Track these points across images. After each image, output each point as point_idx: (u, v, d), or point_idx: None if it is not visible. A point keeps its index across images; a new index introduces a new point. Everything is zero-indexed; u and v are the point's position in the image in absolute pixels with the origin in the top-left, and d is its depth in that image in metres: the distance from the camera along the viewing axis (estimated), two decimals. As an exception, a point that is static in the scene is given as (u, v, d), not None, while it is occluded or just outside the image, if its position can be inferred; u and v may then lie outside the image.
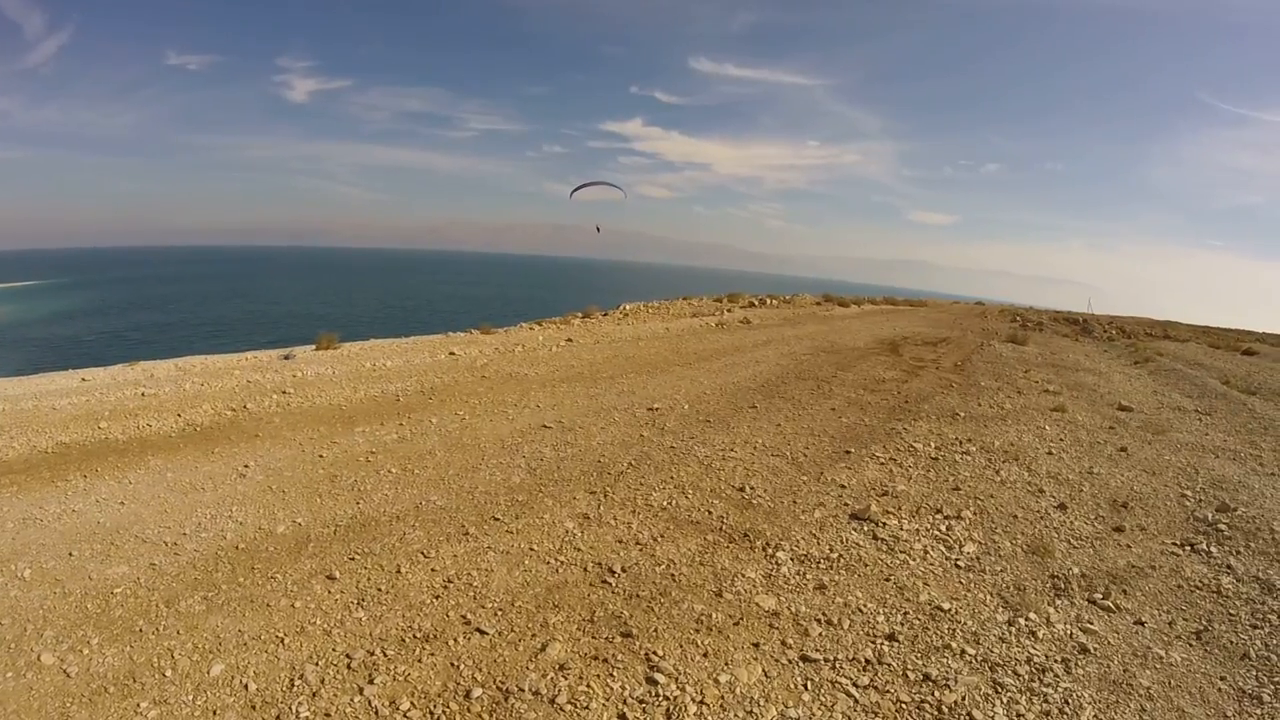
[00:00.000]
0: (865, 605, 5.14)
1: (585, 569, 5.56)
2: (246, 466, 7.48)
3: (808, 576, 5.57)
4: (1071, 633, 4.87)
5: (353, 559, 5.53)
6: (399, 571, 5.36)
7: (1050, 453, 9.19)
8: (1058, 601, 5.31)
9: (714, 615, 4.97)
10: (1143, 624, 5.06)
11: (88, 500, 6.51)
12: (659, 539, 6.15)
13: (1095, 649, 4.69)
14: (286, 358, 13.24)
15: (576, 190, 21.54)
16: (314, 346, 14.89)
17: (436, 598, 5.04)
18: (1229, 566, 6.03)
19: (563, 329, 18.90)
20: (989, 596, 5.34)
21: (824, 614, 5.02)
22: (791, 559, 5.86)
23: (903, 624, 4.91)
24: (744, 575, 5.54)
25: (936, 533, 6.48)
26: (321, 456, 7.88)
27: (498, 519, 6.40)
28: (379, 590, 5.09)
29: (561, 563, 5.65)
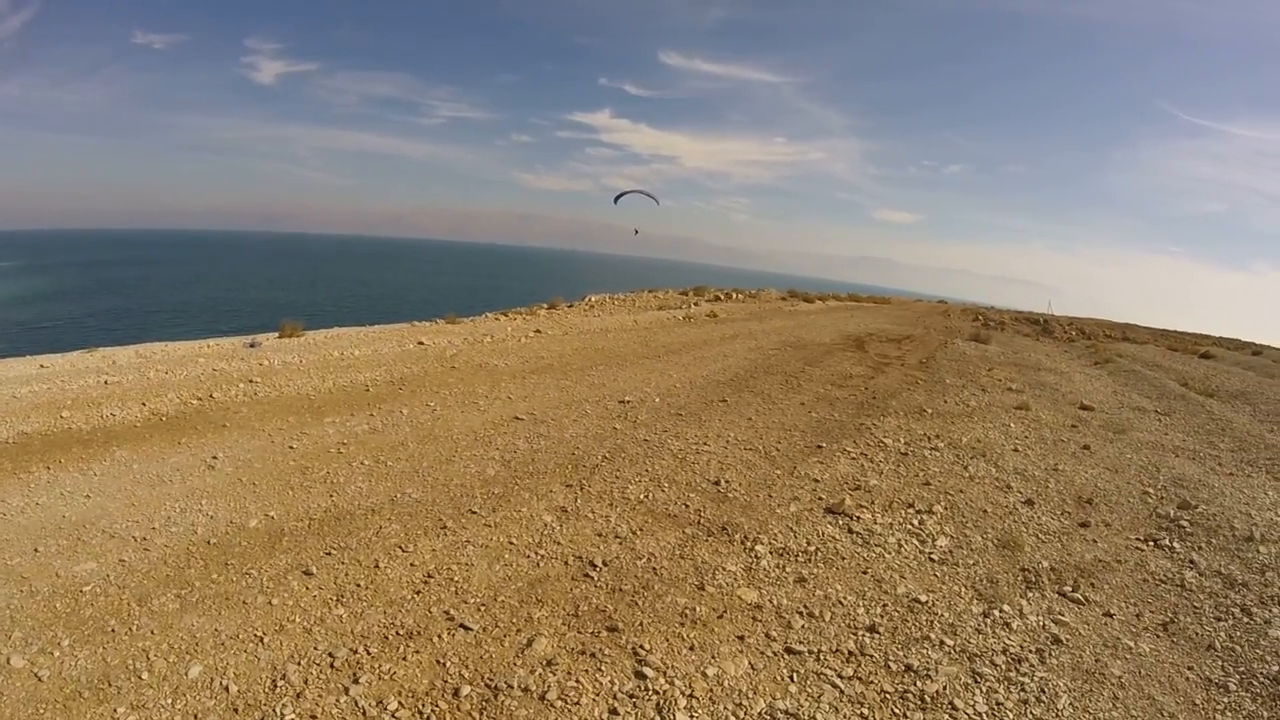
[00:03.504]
0: (845, 598, 5.17)
1: (566, 563, 5.50)
2: (215, 458, 7.29)
3: (787, 570, 5.58)
4: (1044, 624, 4.95)
5: (329, 554, 5.41)
6: (378, 566, 5.25)
7: (1016, 450, 9.29)
8: (1029, 594, 5.39)
9: (698, 609, 4.94)
10: (1111, 616, 5.16)
11: (52, 493, 6.29)
12: (638, 532, 6.12)
13: (1067, 640, 4.77)
14: (252, 345, 12.99)
15: (619, 196, 22.80)
16: (278, 334, 14.65)
17: (417, 593, 4.94)
18: (1192, 561, 6.17)
19: (529, 320, 18.78)
20: (964, 589, 5.41)
21: (805, 606, 5.03)
22: (770, 552, 5.86)
23: (882, 616, 4.95)
24: (725, 569, 5.53)
25: (910, 526, 6.56)
26: (292, 448, 7.71)
27: (475, 512, 6.30)
28: (358, 586, 4.98)
29: (542, 556, 5.58)
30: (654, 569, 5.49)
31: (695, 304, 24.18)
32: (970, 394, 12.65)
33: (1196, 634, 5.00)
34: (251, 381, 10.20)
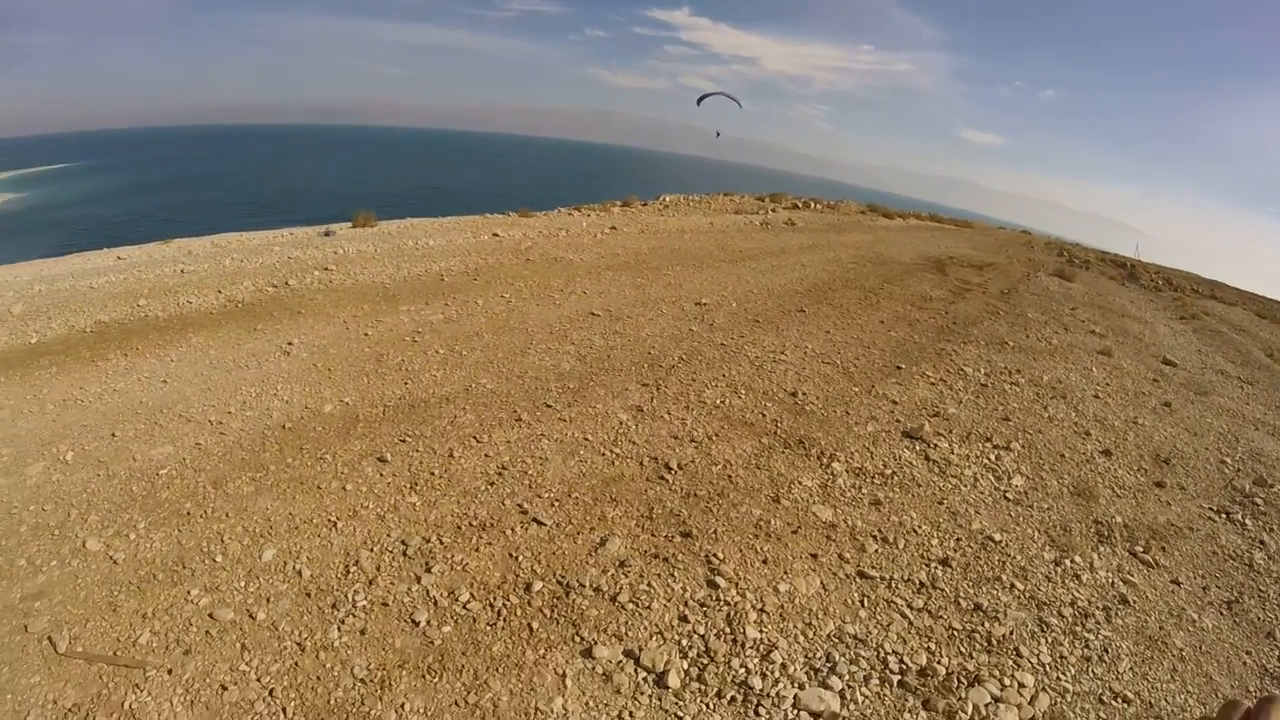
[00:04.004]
0: (919, 526, 5.11)
1: (641, 463, 5.42)
2: (290, 344, 7.26)
3: (863, 491, 5.49)
4: (1113, 581, 4.86)
5: (403, 441, 5.38)
6: (452, 456, 5.22)
7: (1097, 396, 8.95)
8: (1101, 548, 5.27)
9: (772, 522, 4.86)
10: (1179, 584, 5.02)
11: (129, 379, 6.31)
12: (714, 438, 6.00)
13: (1134, 601, 4.68)
14: (326, 234, 12.95)
15: (702, 98, 22.71)
16: (351, 224, 14.62)
17: (491, 484, 4.89)
18: (1262, 542, 5.89)
19: (604, 216, 18.44)
20: (1037, 533, 5.30)
21: (880, 531, 4.97)
22: (846, 471, 5.76)
23: (955, 550, 4.88)
24: (800, 483, 5.43)
25: (986, 461, 6.39)
26: (367, 335, 7.67)
27: (550, 406, 6.24)
28: (431, 475, 4.94)
29: (617, 455, 5.50)
30: (729, 477, 5.39)
31: (772, 210, 23.55)
32: (1053, 332, 12.05)
33: (1259, 618, 4.83)
34: (326, 269, 10.14)
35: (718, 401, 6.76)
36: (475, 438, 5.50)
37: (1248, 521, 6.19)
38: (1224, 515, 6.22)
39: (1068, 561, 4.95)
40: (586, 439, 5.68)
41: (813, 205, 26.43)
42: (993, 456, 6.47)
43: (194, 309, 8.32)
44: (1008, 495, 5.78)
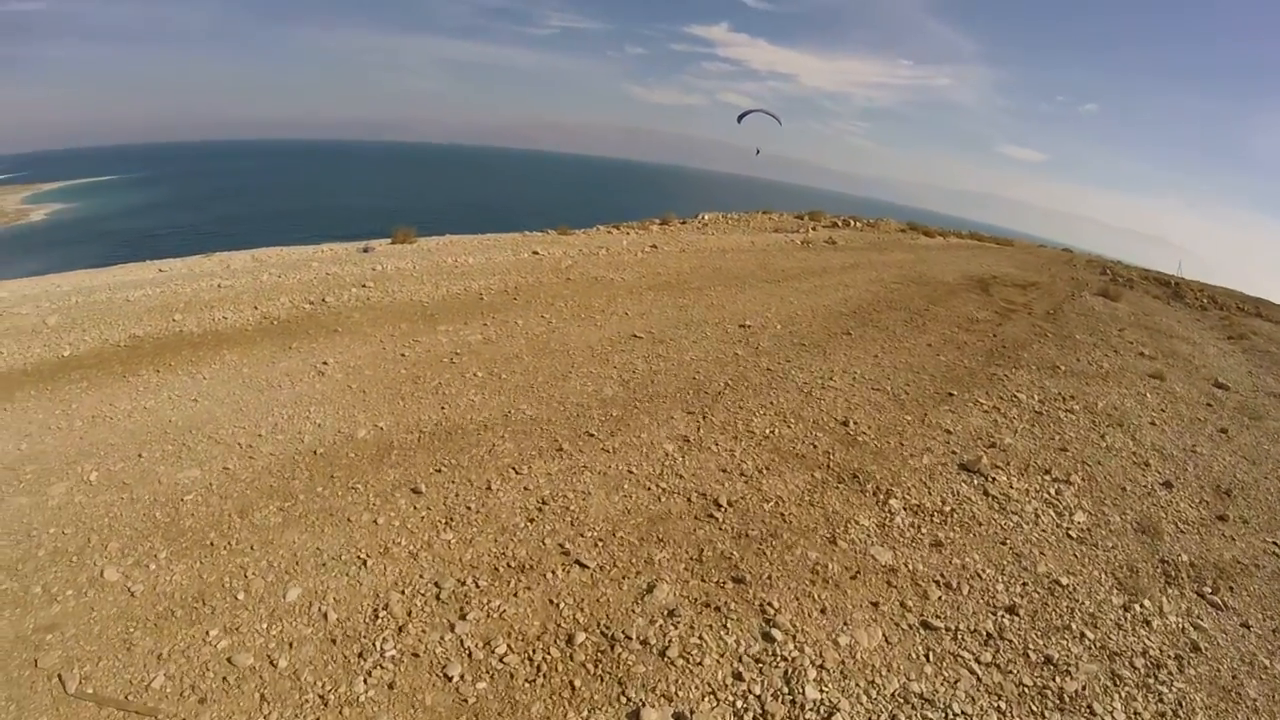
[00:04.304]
0: (984, 570, 4.78)
1: (689, 499, 5.10)
2: (325, 364, 7.05)
3: (923, 530, 5.17)
4: (1183, 627, 4.55)
5: (439, 471, 5.10)
6: (489, 488, 4.93)
7: (1153, 423, 8.54)
8: (1169, 590, 4.95)
9: (829, 565, 4.54)
10: (1249, 628, 4.69)
11: (160, 397, 6.14)
12: (764, 471, 5.68)
13: (1206, 648, 4.37)
14: (365, 250, 12.80)
15: (743, 115, 22.48)
16: (390, 240, 14.50)
17: (531, 521, 4.59)
18: None
19: (643, 234, 18.26)
20: (1104, 575, 4.98)
21: (942, 575, 4.65)
22: (904, 508, 5.43)
23: (1022, 597, 4.57)
24: (857, 522, 5.11)
25: (1046, 495, 6.04)
26: (403, 355, 7.43)
27: (592, 435, 5.94)
28: (468, 509, 4.65)
29: (663, 490, 5.18)
30: (782, 514, 5.07)
31: (812, 229, 23.32)
32: (1102, 354, 11.71)
33: (1332, 666, 4.49)
34: (364, 286, 9.95)
35: (767, 431, 6.43)
36: (514, 469, 5.21)
37: (1313, 556, 5.88)
38: None
39: (1137, 606, 4.64)
40: (631, 472, 5.37)
41: (852, 224, 26.19)
42: (1053, 491, 6.12)
43: (229, 325, 8.17)
44: (1070, 533, 5.45)
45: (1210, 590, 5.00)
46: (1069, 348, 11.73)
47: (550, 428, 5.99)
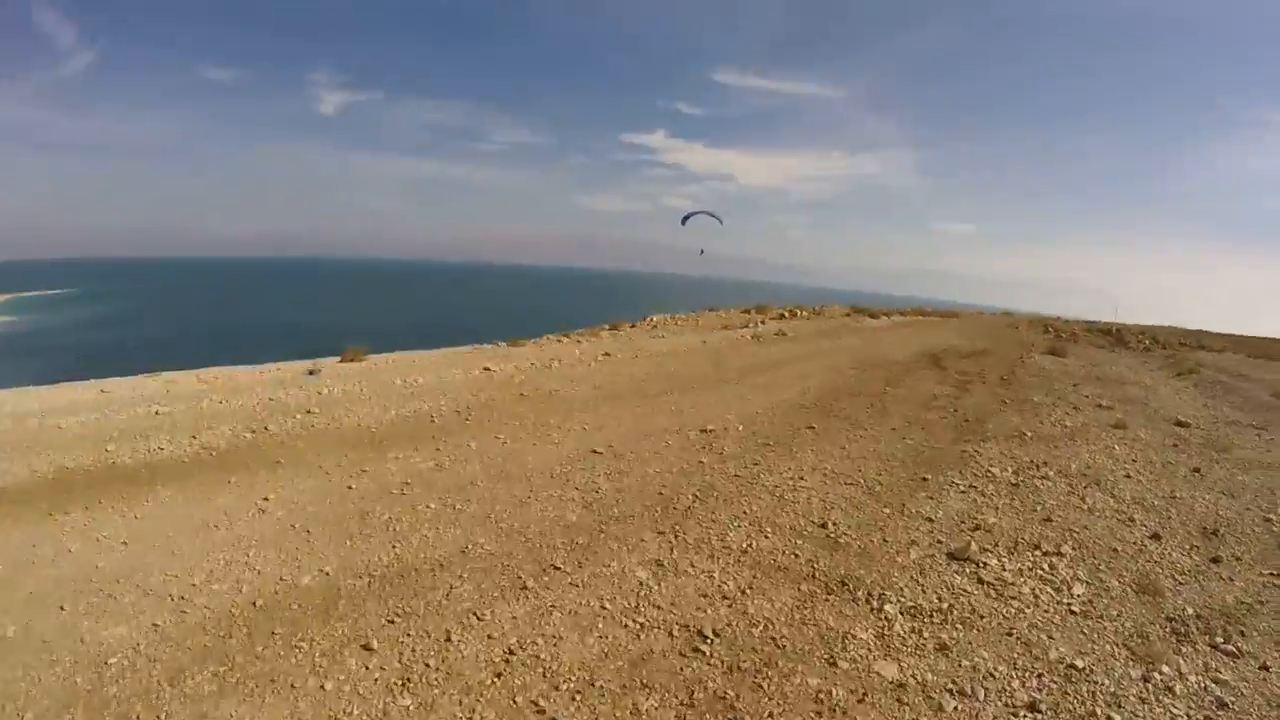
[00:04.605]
0: (996, 668, 4.42)
1: (671, 633, 4.61)
2: (266, 499, 6.48)
3: (925, 635, 4.77)
4: (1205, 685, 4.37)
5: (392, 621, 4.55)
6: (449, 640, 4.37)
7: (1128, 475, 8.52)
8: (1183, 649, 4.76)
9: (834, 691, 4.10)
10: (1268, 670, 4.56)
11: (87, 540, 5.55)
12: (748, 591, 5.23)
13: (1232, 702, 4.21)
14: (312, 373, 12.29)
15: (687, 218, 23.70)
16: (340, 359, 14.04)
17: (498, 676, 4.06)
18: None
19: (594, 342, 18.03)
20: (1115, 648, 4.72)
21: (954, 682, 4.27)
22: (901, 613, 5.04)
23: (1040, 690, 4.24)
24: (854, 636, 4.69)
25: (1040, 572, 5.78)
26: (350, 488, 6.87)
27: (558, 568, 5.41)
28: (427, 666, 4.10)
29: (641, 625, 4.68)
30: (773, 639, 4.62)
31: (761, 322, 23.40)
32: (1064, 413, 11.82)
33: (1353, 688, 4.41)
34: (309, 412, 9.42)
35: (744, 545, 5.99)
36: (475, 614, 4.66)
37: (1311, 582, 5.84)
38: None
39: (1156, 675, 4.41)
40: (604, 607, 4.86)
41: (799, 313, 26.39)
42: (1046, 566, 5.89)
43: (165, 456, 7.59)
44: (1073, 609, 5.20)
45: (1222, 640, 4.85)
46: (1030, 411, 11.79)
47: (512, 563, 5.46)
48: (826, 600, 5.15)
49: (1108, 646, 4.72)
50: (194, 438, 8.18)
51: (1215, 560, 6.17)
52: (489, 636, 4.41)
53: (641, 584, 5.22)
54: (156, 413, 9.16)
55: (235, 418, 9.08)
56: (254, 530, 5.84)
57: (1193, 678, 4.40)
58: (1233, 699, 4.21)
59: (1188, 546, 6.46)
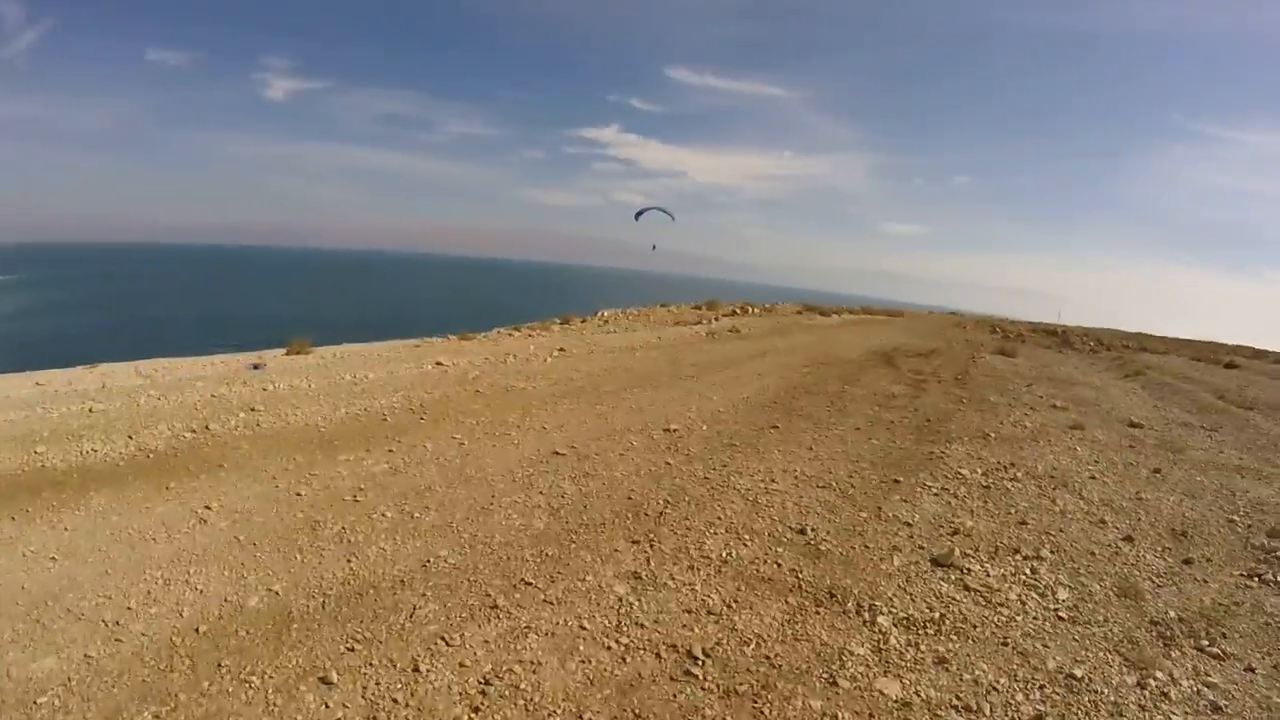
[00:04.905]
0: (997, 681, 4.22)
1: (658, 654, 4.22)
2: (208, 508, 5.92)
3: (922, 648, 4.51)
4: (1198, 689, 4.29)
5: (352, 649, 4.06)
6: (417, 669, 3.91)
7: (1093, 477, 8.43)
8: (1171, 654, 4.67)
9: (839, 715, 3.80)
10: (1254, 671, 4.53)
11: (13, 555, 5.00)
12: (734, 605, 4.86)
13: (1225, 705, 4.15)
14: (256, 367, 11.67)
15: (640, 213, 24.00)
16: (285, 350, 13.41)
17: (475, 711, 3.61)
18: None
19: (547, 336, 17.67)
20: (1109, 655, 4.60)
21: (958, 698, 4.04)
22: (894, 625, 4.76)
23: (1044, 702, 4.06)
24: (851, 652, 4.39)
25: (1024, 577, 5.61)
26: (299, 495, 6.32)
27: (529, 583, 4.95)
28: (394, 703, 3.64)
29: (626, 647, 4.27)
30: (768, 658, 4.27)
31: (715, 319, 23.22)
32: (1022, 414, 11.77)
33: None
34: (253, 410, 8.83)
35: (723, 554, 5.62)
36: (444, 638, 4.19)
37: (1280, 578, 5.88)
38: (1256, 579, 5.86)
39: (1151, 682, 4.31)
40: (583, 627, 4.43)
41: (751, 310, 26.29)
42: (1029, 571, 5.73)
43: (99, 459, 7.00)
44: (1061, 614, 5.06)
45: (1207, 643, 4.82)
46: (989, 412, 11.71)
47: (479, 577, 4.99)
48: (817, 613, 4.83)
49: (1101, 654, 4.59)
50: (130, 438, 7.59)
51: (1187, 562, 6.13)
52: (461, 664, 3.96)
53: (621, 600, 4.81)
54: (91, 410, 8.55)
55: (175, 416, 8.49)
56: (195, 543, 5.30)
57: (1185, 682, 4.33)
58: (1225, 702, 4.14)
59: (1160, 548, 6.40)
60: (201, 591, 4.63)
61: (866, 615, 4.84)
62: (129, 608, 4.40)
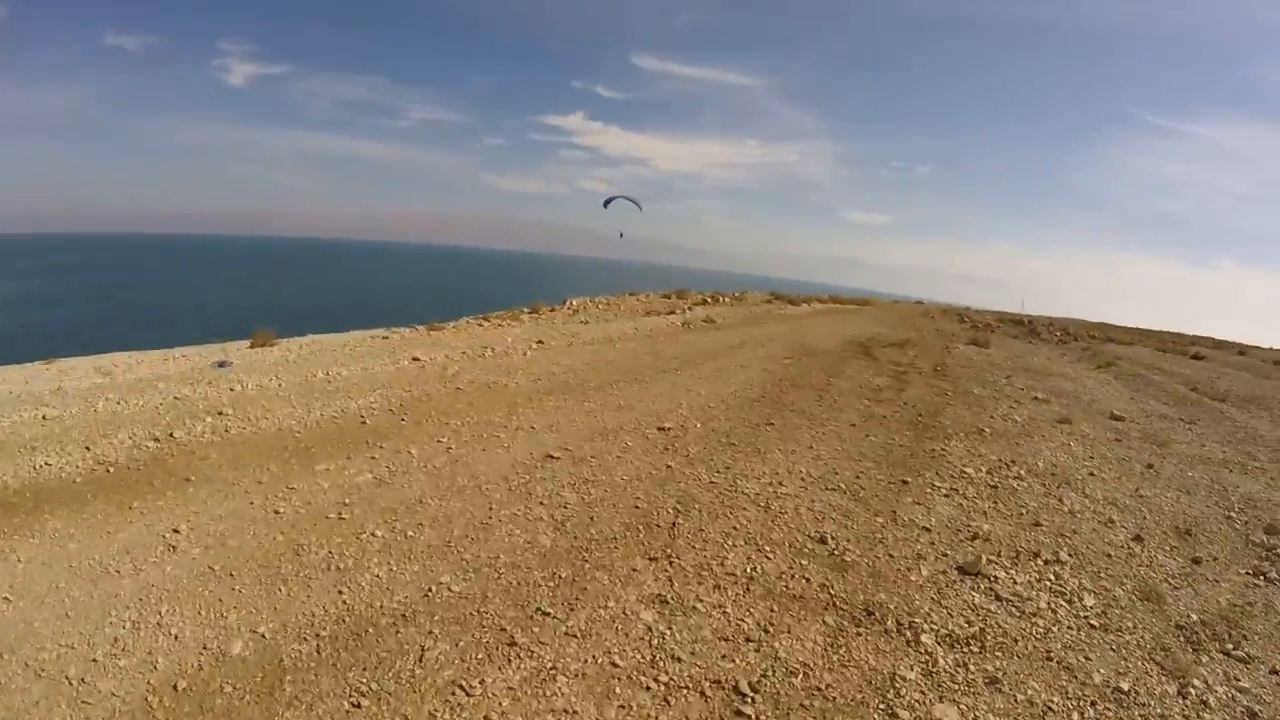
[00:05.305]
0: (1051, 700, 4.01)
1: (703, 694, 3.74)
2: (176, 531, 5.23)
3: (970, 668, 4.22)
4: (1233, 695, 4.21)
5: (357, 704, 3.47)
6: (438, 728, 3.35)
7: (1092, 474, 8.29)
8: (1202, 659, 4.57)
9: None
10: (1278, 674, 4.46)
11: (-39, 595, 4.31)
12: (770, 629, 4.41)
13: (1260, 711, 4.06)
14: (221, 365, 10.93)
15: (608, 201, 24.16)
16: (249, 343, 12.73)
17: (516, 778, 3.06)
18: None
19: (519, 326, 17.17)
20: (1147, 664, 4.45)
21: None
22: (938, 643, 4.46)
23: (1098, 719, 3.90)
24: (902, 677, 4.05)
25: (1049, 583, 5.39)
26: (277, 513, 5.65)
27: (546, 612, 4.40)
28: (419, 772, 3.08)
29: (667, 686, 3.78)
30: (818, 689, 3.86)
31: (689, 309, 22.90)
32: (1008, 406, 11.59)
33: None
34: (221, 413, 8.11)
35: (747, 569, 5.14)
36: (462, 686, 3.62)
37: (1285, 576, 5.87)
38: (1263, 578, 5.86)
39: (1190, 690, 4.21)
40: (615, 664, 3.91)
41: (721, 299, 26.07)
42: (1052, 576, 5.50)
43: (54, 475, 6.23)
44: (1092, 622, 4.87)
45: (1231, 646, 4.76)
46: (976, 405, 11.52)
47: (490, 608, 4.42)
48: (858, 634, 4.44)
49: (1140, 663, 4.44)
50: (88, 449, 6.84)
51: (1196, 561, 6.04)
52: (486, 719, 3.41)
53: (650, 629, 4.30)
54: (45, 418, 7.79)
55: (136, 422, 7.73)
56: (165, 576, 4.65)
57: (1220, 689, 4.23)
58: (1260, 708, 4.08)
59: (1168, 548, 6.28)
60: (177, 637, 4.00)
61: (909, 634, 4.50)
62: (95, 660, 3.77)
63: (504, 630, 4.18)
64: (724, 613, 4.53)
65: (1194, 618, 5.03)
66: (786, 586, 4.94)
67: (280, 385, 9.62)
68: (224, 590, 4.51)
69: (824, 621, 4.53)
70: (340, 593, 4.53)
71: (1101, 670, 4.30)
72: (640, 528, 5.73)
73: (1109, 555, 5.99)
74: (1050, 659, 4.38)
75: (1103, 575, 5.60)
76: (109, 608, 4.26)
